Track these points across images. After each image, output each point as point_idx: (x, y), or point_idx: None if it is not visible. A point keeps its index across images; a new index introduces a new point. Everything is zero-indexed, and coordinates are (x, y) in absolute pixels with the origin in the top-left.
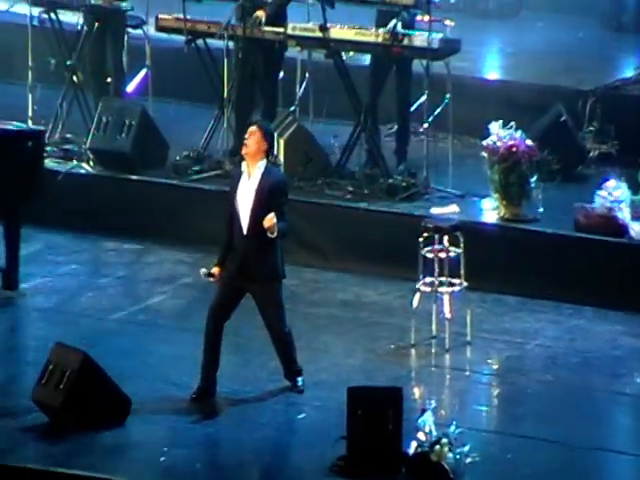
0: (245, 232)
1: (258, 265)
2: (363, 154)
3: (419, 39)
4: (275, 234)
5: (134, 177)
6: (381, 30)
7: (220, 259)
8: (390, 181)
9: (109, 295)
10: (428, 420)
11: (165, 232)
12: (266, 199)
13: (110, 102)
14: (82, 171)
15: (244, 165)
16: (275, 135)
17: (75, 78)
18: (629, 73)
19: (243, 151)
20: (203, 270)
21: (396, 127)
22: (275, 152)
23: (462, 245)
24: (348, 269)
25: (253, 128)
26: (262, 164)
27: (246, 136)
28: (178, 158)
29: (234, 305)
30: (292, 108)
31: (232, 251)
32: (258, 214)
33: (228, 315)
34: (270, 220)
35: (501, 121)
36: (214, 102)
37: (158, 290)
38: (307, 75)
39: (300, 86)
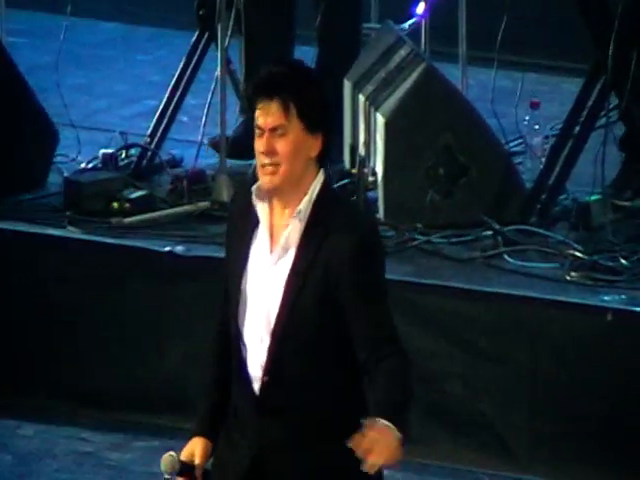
0: (257, 391)
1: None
2: (613, 156)
3: None
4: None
5: None
6: None
7: (201, 430)
8: None
9: None
10: None
11: (55, 382)
12: (320, 291)
13: None
14: None
15: (257, 198)
16: (349, 101)
17: None
18: None
19: (260, 176)
20: (169, 458)
21: None
22: (359, 153)
23: None
24: None
25: (273, 101)
26: (310, 193)
27: (259, 124)
28: (83, 166)
29: None
30: (405, 24)
31: (232, 426)
32: (300, 334)
33: None
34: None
35: None
36: (186, 22)
37: None
38: None
39: None
